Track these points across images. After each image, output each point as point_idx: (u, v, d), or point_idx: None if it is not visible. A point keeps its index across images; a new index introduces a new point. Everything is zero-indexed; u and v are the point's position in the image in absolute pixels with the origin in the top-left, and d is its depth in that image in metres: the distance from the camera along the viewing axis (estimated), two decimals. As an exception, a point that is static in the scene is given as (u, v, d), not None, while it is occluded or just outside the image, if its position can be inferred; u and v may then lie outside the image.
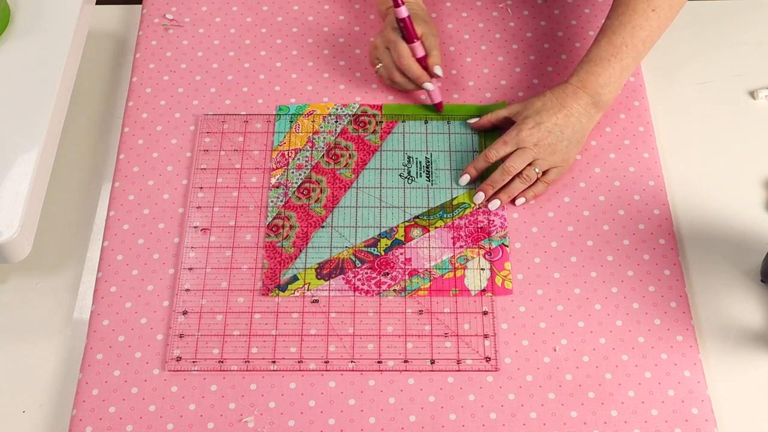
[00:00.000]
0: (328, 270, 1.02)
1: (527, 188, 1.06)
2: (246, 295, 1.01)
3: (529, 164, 1.05)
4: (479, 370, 0.96)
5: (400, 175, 1.09)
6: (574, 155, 1.07)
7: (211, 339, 0.98)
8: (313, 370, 0.96)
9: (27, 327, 1.02)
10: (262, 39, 1.21)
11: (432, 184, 1.08)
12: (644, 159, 1.10)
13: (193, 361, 0.96)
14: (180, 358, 0.97)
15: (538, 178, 1.05)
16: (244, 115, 1.14)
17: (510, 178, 1.05)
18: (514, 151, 1.05)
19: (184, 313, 0.99)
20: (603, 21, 1.08)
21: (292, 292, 1.01)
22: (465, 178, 1.07)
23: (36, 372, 0.99)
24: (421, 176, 1.09)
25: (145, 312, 1.00)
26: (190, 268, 1.02)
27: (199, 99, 1.15)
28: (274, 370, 0.96)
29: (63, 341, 1.01)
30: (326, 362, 0.96)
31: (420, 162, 1.10)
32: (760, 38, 1.23)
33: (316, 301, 1.00)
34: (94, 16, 1.22)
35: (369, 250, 1.04)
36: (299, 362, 0.96)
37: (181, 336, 0.98)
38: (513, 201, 1.06)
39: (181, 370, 0.96)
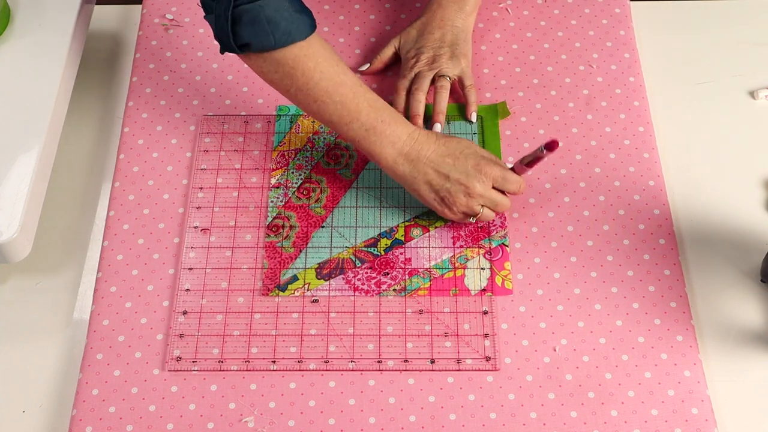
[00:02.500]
0: (328, 270, 1.02)
1: (468, 103, 1.12)
2: (246, 295, 1.01)
3: (440, 76, 1.10)
4: (479, 370, 0.96)
5: None
6: (467, 51, 1.14)
7: (211, 339, 0.98)
8: (313, 370, 0.96)
9: (27, 327, 1.02)
10: (262, 39, 1.20)
11: None
12: (644, 159, 1.10)
13: (193, 361, 0.96)
14: (180, 358, 0.97)
15: (464, 88, 1.12)
16: (244, 115, 1.14)
17: (424, 97, 1.10)
18: (415, 77, 1.12)
19: (184, 313, 0.99)
20: None
21: (292, 292, 1.01)
22: (417, 121, 1.10)
23: (36, 372, 0.99)
24: None
25: (145, 312, 1.00)
26: (190, 268, 1.02)
27: (199, 99, 1.15)
28: (274, 370, 0.96)
29: (63, 341, 1.01)
30: (326, 362, 0.96)
31: None
32: (760, 38, 1.23)
33: (316, 301, 1.00)
34: (94, 16, 1.22)
35: (369, 250, 1.04)
36: (299, 362, 0.96)
37: (181, 336, 0.98)
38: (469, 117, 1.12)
39: (181, 370, 0.96)
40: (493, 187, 1.01)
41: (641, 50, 1.21)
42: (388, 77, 1.17)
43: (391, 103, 1.10)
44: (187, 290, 1.01)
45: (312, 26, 0.96)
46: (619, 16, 1.23)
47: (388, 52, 1.16)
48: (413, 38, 1.14)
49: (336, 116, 0.99)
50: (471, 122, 1.12)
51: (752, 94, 1.18)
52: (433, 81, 1.11)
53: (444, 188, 1.00)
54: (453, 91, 1.13)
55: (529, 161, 1.00)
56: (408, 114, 1.09)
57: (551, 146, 0.98)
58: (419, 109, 1.09)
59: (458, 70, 1.12)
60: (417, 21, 1.15)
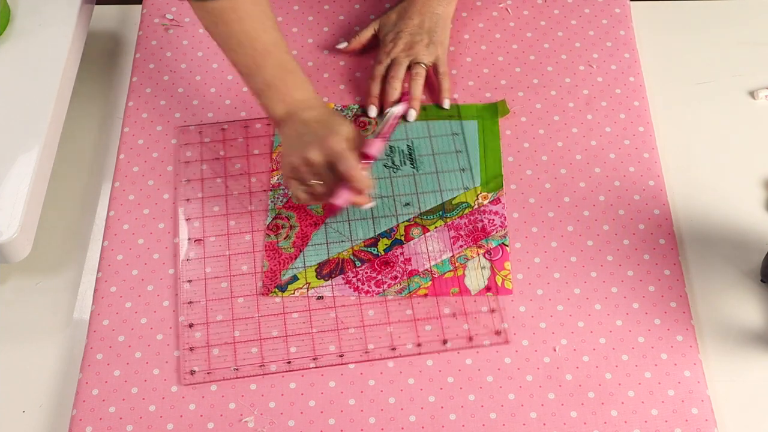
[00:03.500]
0: (328, 270, 1.02)
1: (442, 89, 1.14)
2: (246, 296, 1.01)
3: (416, 63, 1.12)
4: (479, 370, 0.96)
5: (385, 165, 1.09)
6: (445, 38, 1.15)
7: (211, 339, 0.98)
8: (313, 369, 0.96)
9: (27, 327, 1.02)
10: (262, 39, 1.20)
11: (417, 171, 1.08)
12: (644, 159, 1.10)
13: (193, 362, 0.96)
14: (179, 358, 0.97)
15: (438, 74, 1.14)
16: (244, 116, 1.14)
17: (400, 84, 1.12)
18: (391, 64, 1.13)
19: (185, 313, 0.99)
20: None
21: (292, 292, 1.01)
22: (372, 110, 1.13)
23: (36, 372, 0.99)
24: (405, 164, 1.09)
25: (145, 312, 1.00)
26: (191, 270, 1.02)
27: (199, 99, 1.15)
28: (274, 371, 0.96)
29: (63, 341, 1.01)
30: (326, 361, 0.96)
31: (402, 150, 1.10)
32: (760, 38, 1.23)
33: (321, 298, 1.00)
34: (94, 16, 1.22)
35: (369, 249, 1.04)
36: (299, 361, 0.96)
37: (184, 339, 0.98)
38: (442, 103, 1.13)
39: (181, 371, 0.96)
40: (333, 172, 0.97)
41: (641, 50, 1.21)
42: (365, 58, 1.18)
43: (368, 88, 1.13)
44: (188, 290, 1.01)
45: None
46: (619, 16, 1.23)
47: (366, 34, 1.17)
48: (393, 21, 1.16)
49: (243, 66, 0.99)
50: (444, 109, 1.13)
51: (752, 94, 1.18)
52: (409, 68, 1.13)
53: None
54: (429, 79, 1.15)
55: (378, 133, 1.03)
56: (383, 100, 1.12)
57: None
58: (395, 96, 1.12)
59: (433, 57, 1.13)
60: (398, 5, 1.17)
